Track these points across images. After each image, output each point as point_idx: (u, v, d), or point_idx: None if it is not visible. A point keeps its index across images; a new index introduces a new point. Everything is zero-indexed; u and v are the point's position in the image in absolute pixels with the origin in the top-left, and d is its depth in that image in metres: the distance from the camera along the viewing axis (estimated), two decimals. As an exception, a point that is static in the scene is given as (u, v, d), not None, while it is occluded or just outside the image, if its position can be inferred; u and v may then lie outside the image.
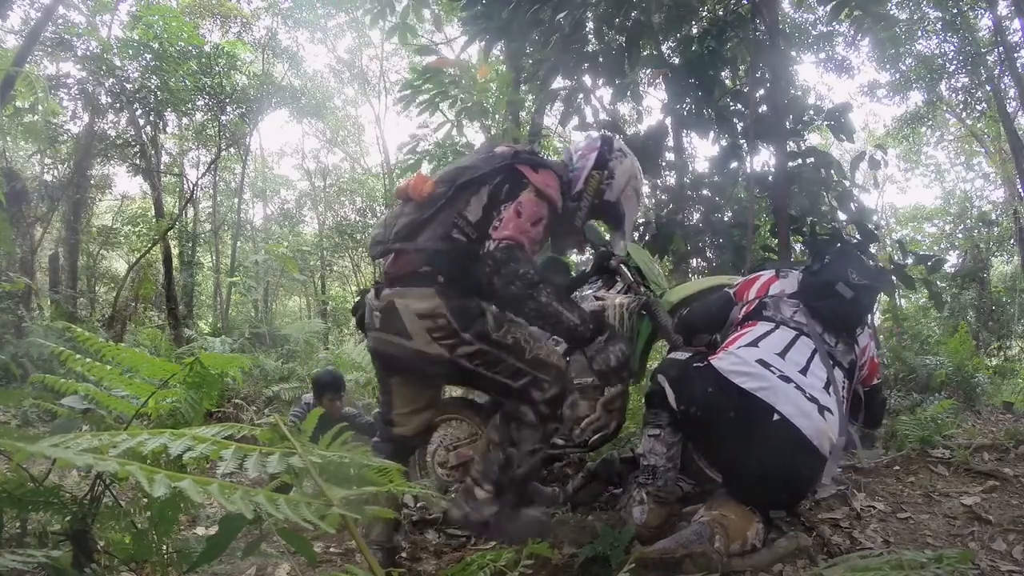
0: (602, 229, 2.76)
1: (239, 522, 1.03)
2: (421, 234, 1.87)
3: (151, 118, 9.29)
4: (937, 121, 14.32)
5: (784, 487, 1.77)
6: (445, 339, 1.81)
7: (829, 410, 1.72)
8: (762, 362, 1.78)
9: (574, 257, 4.48)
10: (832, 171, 3.48)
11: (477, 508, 1.86)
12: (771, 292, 2.09)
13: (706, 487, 2.19)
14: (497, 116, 4.95)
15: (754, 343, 1.86)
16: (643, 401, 2.13)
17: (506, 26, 3.56)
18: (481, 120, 4.81)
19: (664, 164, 4.26)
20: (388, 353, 1.93)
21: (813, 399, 1.71)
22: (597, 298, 2.53)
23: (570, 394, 1.95)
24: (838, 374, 1.87)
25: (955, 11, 9.79)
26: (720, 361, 1.83)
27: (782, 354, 1.82)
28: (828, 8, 3.73)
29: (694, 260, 4.19)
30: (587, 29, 3.69)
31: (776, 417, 1.67)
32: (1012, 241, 12.42)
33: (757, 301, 2.07)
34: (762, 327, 1.93)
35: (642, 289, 2.40)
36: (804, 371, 1.79)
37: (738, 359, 1.81)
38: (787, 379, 1.74)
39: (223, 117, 9.72)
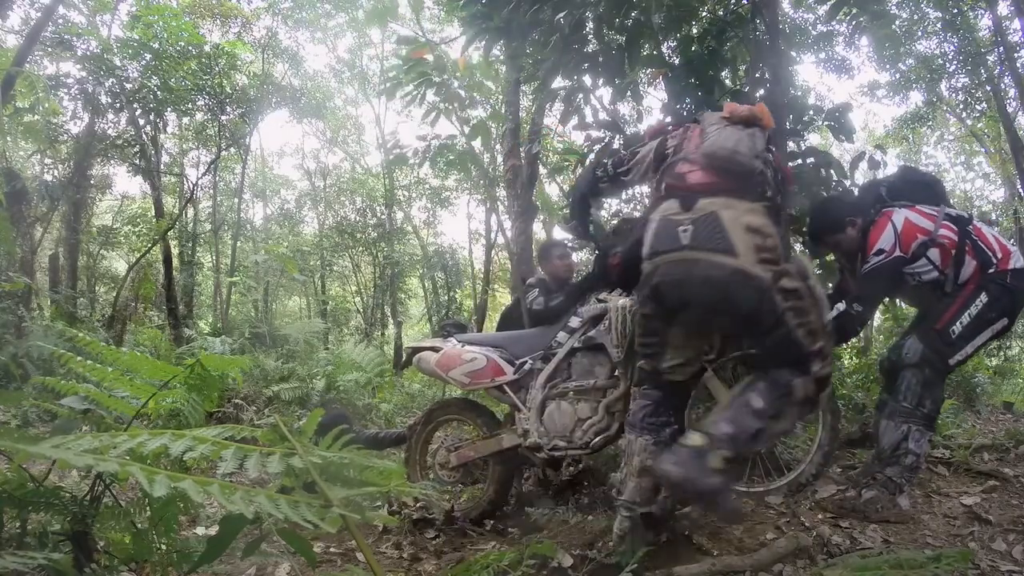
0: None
1: (239, 522, 1.03)
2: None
3: (151, 118, 9.28)
4: (937, 121, 14.30)
5: None
6: (773, 262, 1.64)
7: None
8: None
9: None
10: (832, 171, 3.48)
11: (704, 473, 1.55)
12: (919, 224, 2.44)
13: None
14: (499, 120, 4.97)
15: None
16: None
17: (506, 26, 3.56)
18: (460, 106, 4.79)
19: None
20: (694, 276, 1.67)
21: None
22: (599, 300, 2.53)
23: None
24: None
25: (955, 11, 9.77)
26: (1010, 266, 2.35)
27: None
28: (827, 7, 3.73)
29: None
30: (587, 29, 3.68)
31: None
32: (1012, 241, 12.39)
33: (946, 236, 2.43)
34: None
35: None
36: None
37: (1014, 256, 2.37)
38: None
39: (223, 117, 9.70)
